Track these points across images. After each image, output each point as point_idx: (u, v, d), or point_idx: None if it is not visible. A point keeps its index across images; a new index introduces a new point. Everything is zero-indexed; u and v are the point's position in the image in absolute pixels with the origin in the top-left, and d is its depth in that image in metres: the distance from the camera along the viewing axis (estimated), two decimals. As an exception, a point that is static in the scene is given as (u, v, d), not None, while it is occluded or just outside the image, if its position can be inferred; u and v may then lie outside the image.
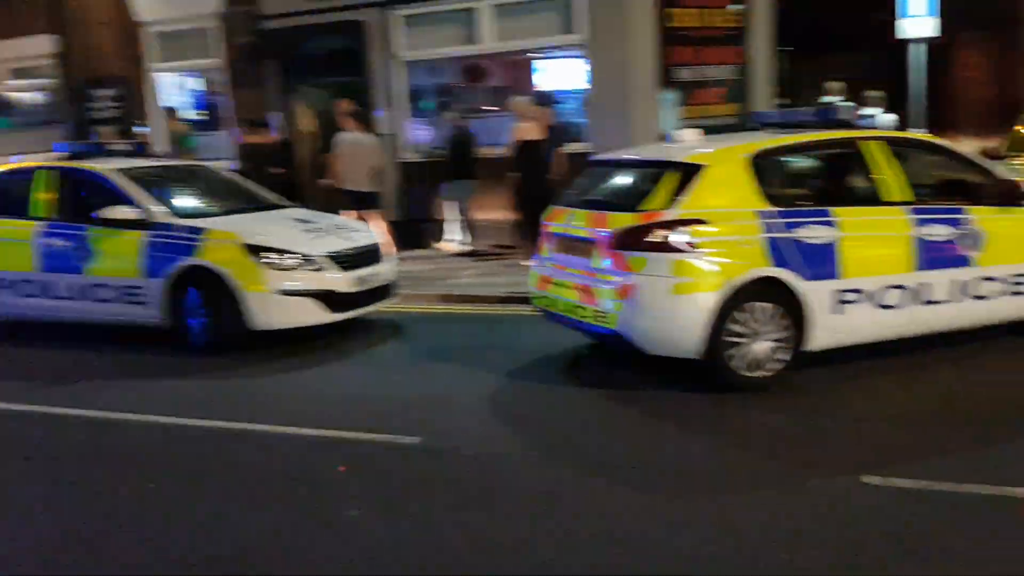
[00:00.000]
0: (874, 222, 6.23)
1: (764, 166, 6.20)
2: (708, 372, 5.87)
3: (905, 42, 12.64)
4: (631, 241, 5.94)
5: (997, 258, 6.41)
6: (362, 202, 10.92)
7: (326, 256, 7.70)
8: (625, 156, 7.08)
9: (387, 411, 5.92)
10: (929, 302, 6.26)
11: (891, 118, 12.98)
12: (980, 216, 6.43)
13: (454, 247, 11.89)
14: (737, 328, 5.79)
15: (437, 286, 9.80)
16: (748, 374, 5.86)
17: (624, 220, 6.03)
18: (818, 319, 5.97)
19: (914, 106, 12.71)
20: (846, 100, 13.22)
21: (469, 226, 11.80)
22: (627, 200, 6.38)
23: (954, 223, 6.34)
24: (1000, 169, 7.10)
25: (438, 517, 4.31)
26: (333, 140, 11.20)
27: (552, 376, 6.63)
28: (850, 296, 6.04)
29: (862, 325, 6.17)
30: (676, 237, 5.79)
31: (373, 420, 5.70)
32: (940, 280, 6.27)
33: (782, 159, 6.74)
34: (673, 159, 6.27)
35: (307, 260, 7.60)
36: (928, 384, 5.99)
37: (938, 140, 7.42)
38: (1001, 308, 6.56)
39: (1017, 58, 26.15)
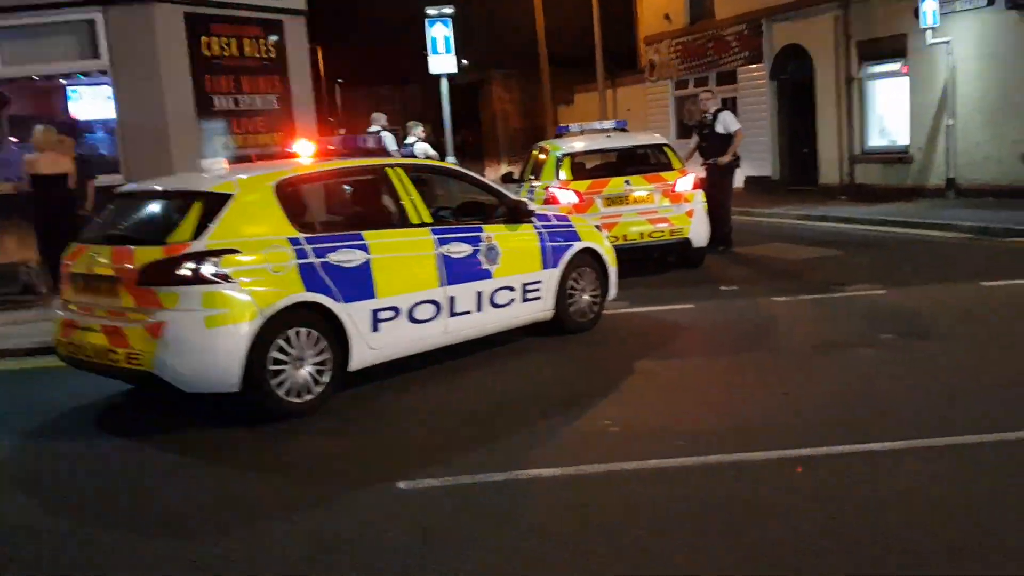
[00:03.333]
0: (403, 243, 6.61)
1: (292, 193, 6.28)
2: (252, 404, 5.76)
3: (438, 77, 13.74)
4: (159, 275, 5.64)
5: (511, 269, 7.18)
6: None
7: None
8: (150, 187, 6.72)
9: None
10: (458, 313, 6.80)
11: (427, 147, 13.99)
12: (495, 233, 7.15)
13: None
14: (279, 355, 5.76)
15: (-54, 344, 8.45)
16: (294, 400, 5.85)
17: (151, 254, 5.71)
18: (358, 339, 6.17)
19: (448, 135, 13.84)
20: (389, 129, 14.04)
21: None
22: (154, 233, 6.09)
23: (474, 240, 6.96)
24: (508, 192, 7.99)
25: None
26: None
27: (81, 431, 6.02)
28: (386, 314, 6.34)
29: (400, 340, 6.51)
30: (206, 268, 5.61)
31: None
32: (466, 293, 6.84)
33: (310, 186, 6.90)
34: (200, 188, 6.10)
35: None
36: (460, 388, 6.48)
37: (456, 167, 8.14)
38: (518, 313, 7.36)
39: (538, 93, 29.88)
